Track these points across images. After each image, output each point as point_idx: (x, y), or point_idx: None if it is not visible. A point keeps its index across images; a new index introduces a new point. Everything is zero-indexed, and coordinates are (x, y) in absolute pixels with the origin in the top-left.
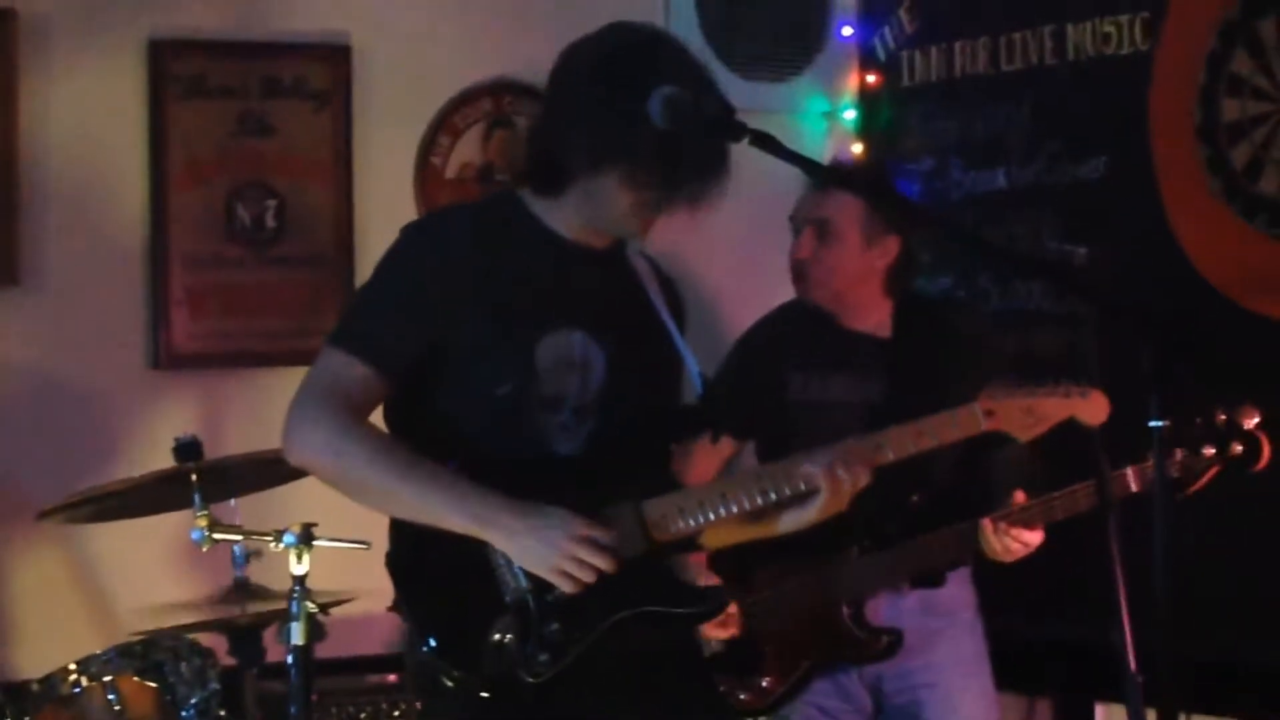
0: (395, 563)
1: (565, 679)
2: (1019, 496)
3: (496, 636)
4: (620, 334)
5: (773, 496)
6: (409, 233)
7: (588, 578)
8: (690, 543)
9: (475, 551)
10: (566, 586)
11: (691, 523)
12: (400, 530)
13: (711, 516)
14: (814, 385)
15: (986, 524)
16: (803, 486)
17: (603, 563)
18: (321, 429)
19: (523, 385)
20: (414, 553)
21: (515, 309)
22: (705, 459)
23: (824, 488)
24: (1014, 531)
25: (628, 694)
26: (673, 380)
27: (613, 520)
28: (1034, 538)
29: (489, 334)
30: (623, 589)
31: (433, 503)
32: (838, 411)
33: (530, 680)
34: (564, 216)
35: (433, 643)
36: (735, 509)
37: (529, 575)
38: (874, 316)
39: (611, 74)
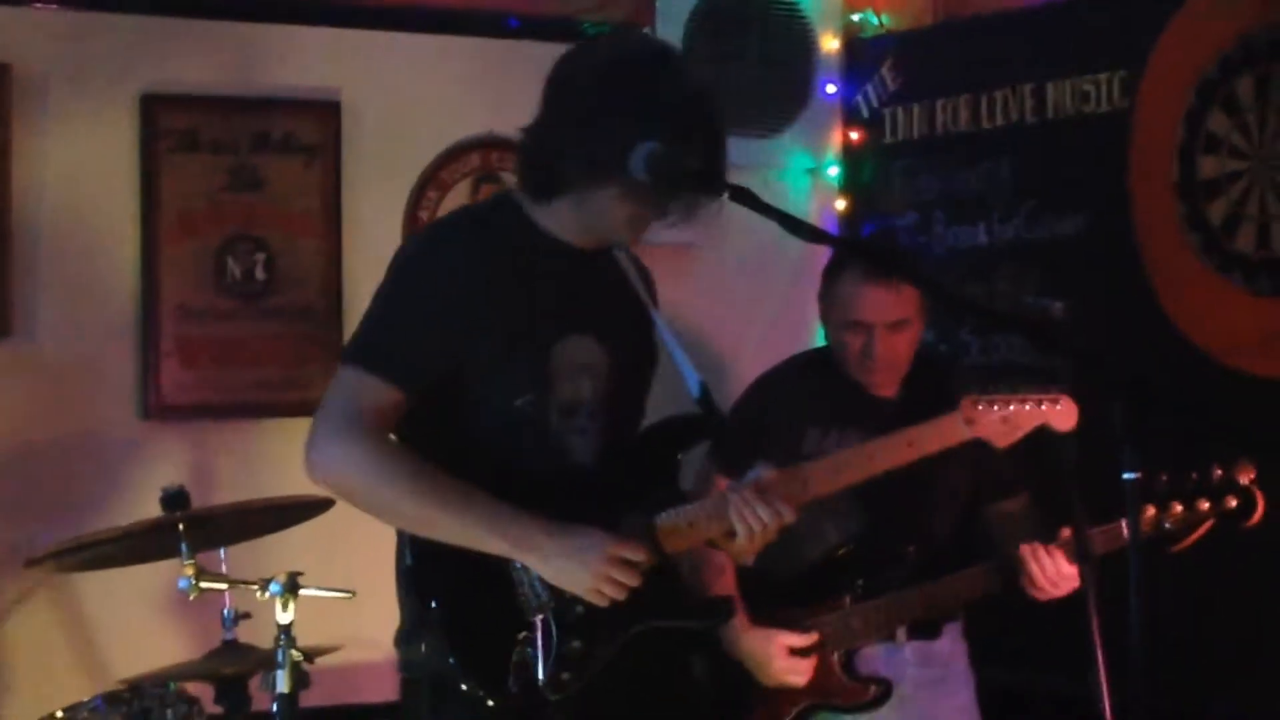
0: (416, 578)
1: (579, 693)
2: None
3: (519, 654)
4: (619, 335)
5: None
6: (417, 245)
7: (620, 595)
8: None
9: (495, 569)
10: (601, 603)
11: (698, 537)
12: (420, 546)
13: (712, 532)
14: (830, 441)
15: (1033, 549)
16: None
17: (633, 580)
18: (354, 453)
19: (541, 393)
20: (434, 568)
21: (527, 317)
22: None
23: (738, 529)
24: (1059, 556)
25: (634, 707)
26: (653, 380)
27: (627, 533)
28: (1074, 572)
29: (504, 344)
30: (637, 603)
31: (468, 527)
32: None
33: (554, 698)
34: (558, 220)
35: (454, 660)
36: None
37: (550, 592)
38: (898, 382)
39: (611, 91)
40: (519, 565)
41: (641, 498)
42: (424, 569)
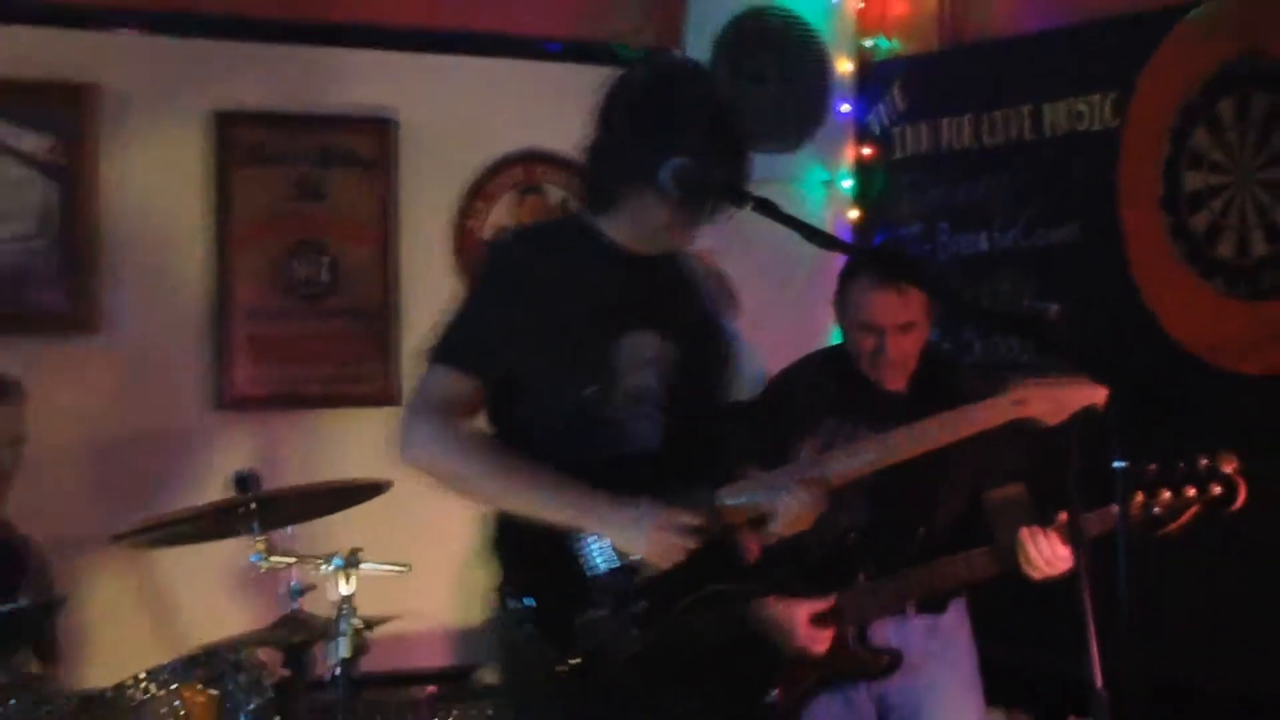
0: (496, 548)
1: (643, 653)
2: (1062, 516)
3: (590, 614)
4: (683, 332)
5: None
6: (494, 254)
7: (680, 557)
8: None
9: (566, 538)
10: (662, 564)
11: (753, 509)
12: (500, 519)
13: (759, 512)
14: (845, 431)
15: (1032, 532)
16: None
17: (690, 542)
18: (439, 441)
19: (606, 385)
20: (512, 539)
21: (590, 316)
22: None
23: (778, 515)
24: (1055, 538)
25: (694, 666)
26: (727, 373)
27: (690, 507)
28: (1068, 553)
29: (569, 340)
30: (698, 568)
31: (534, 500)
32: None
33: (621, 657)
34: (618, 229)
35: (527, 624)
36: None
37: (617, 558)
38: (907, 377)
39: (642, 111)
40: (586, 533)
41: (700, 479)
42: (503, 540)
